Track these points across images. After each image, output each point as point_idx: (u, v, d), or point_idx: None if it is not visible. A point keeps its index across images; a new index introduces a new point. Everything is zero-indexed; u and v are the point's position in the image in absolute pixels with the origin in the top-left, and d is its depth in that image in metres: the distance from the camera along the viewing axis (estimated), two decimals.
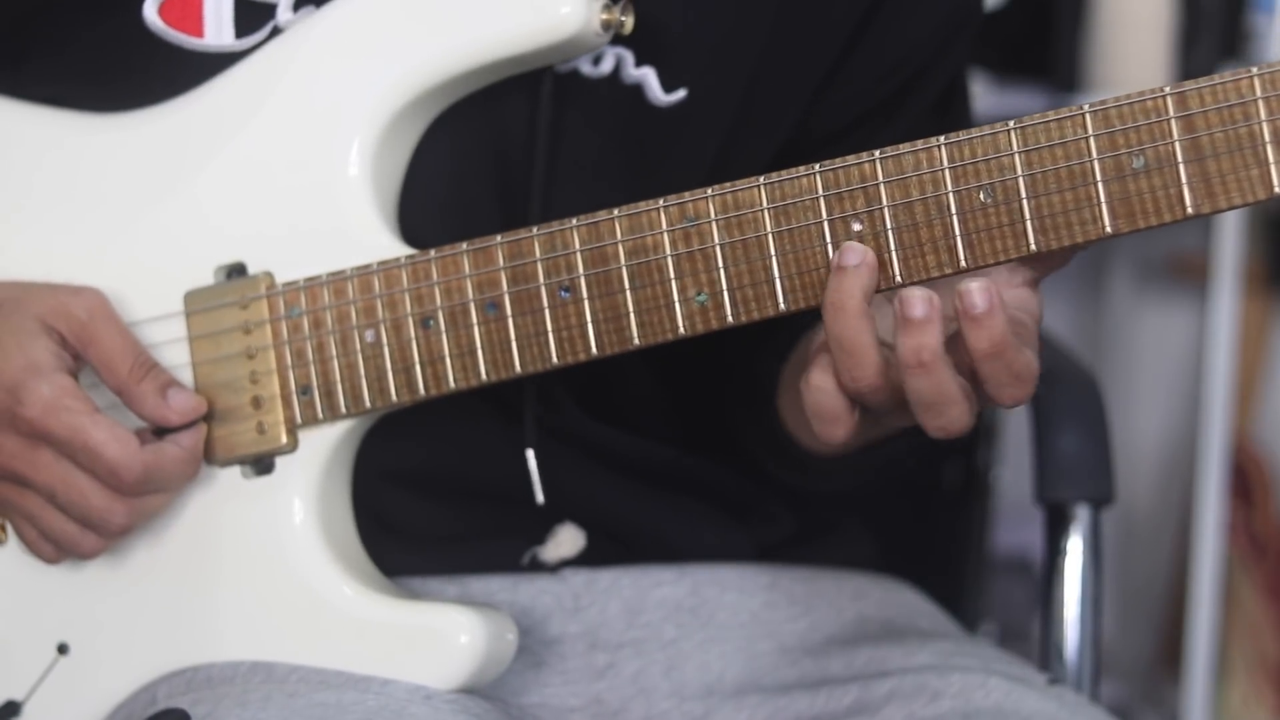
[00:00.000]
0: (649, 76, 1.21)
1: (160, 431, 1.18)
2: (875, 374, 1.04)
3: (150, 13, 1.21)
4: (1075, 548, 1.41)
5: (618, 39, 1.19)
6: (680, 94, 1.22)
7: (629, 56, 1.21)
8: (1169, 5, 2.44)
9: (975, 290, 1.01)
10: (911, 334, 1.02)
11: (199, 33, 1.21)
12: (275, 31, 1.21)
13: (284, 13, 1.21)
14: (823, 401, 1.06)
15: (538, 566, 1.27)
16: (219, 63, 1.21)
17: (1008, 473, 1.76)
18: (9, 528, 1.22)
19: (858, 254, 1.04)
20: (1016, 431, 1.65)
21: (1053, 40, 2.48)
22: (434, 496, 1.26)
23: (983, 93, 2.39)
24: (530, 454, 1.22)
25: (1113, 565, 2.60)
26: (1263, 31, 2.40)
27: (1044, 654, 1.41)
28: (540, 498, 1.23)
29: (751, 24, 1.23)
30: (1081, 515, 1.42)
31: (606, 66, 1.21)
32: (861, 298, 1.04)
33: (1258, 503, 2.57)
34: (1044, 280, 1.08)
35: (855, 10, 1.24)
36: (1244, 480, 2.57)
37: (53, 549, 1.19)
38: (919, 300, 1.01)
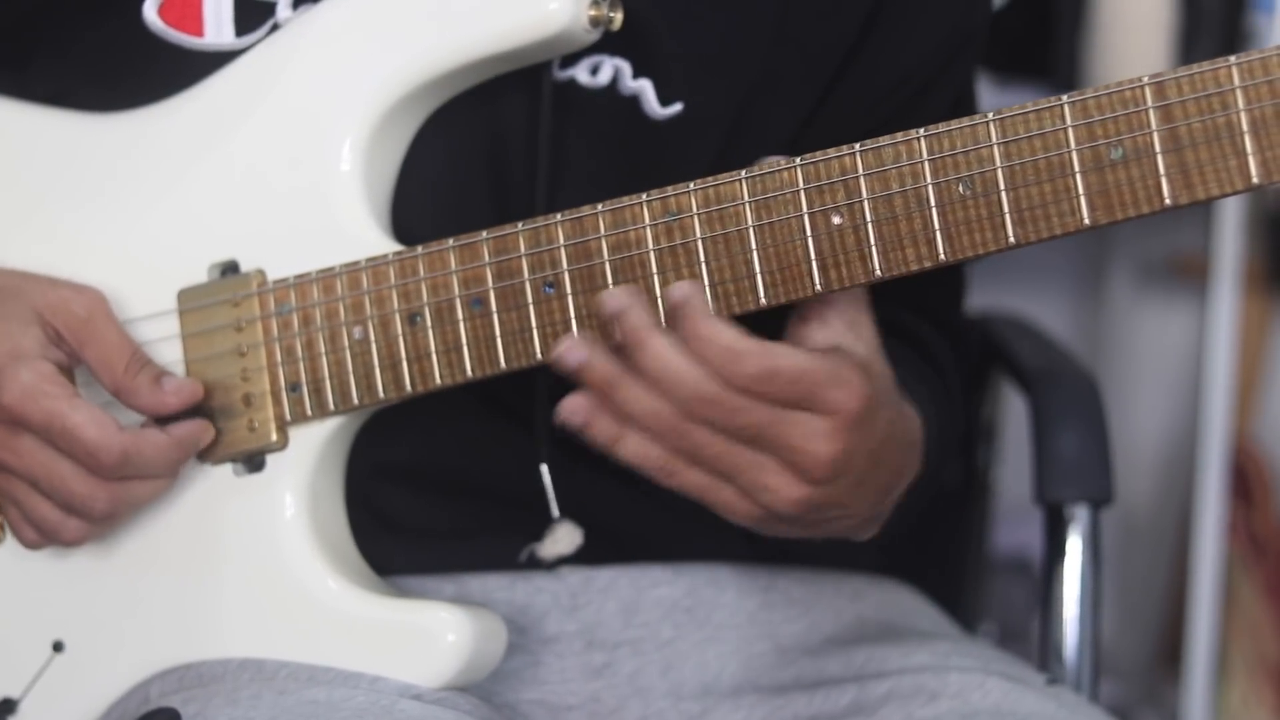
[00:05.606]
0: (646, 89, 1.21)
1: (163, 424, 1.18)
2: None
3: (150, 13, 1.22)
4: (1074, 548, 1.41)
5: (615, 47, 1.19)
6: (677, 107, 1.21)
7: (627, 68, 1.21)
8: (1169, 5, 2.43)
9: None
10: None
11: (199, 32, 1.22)
12: (275, 29, 1.21)
13: (283, 10, 1.21)
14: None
15: (535, 564, 1.26)
16: (219, 62, 1.22)
17: (1007, 473, 1.75)
18: (6, 527, 1.23)
19: (579, 352, 1.05)
20: (1016, 431, 1.64)
21: (1053, 40, 2.47)
22: (432, 493, 1.26)
23: (983, 92, 2.38)
24: (544, 469, 1.22)
25: (1113, 565, 2.60)
26: (1263, 31, 2.39)
27: (1043, 654, 1.41)
28: (555, 511, 1.23)
29: (749, 38, 1.22)
30: (1081, 515, 1.42)
31: (604, 77, 1.21)
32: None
33: (1258, 503, 2.56)
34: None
35: (854, 26, 1.24)
36: (1244, 480, 2.56)
37: (34, 533, 1.19)
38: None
